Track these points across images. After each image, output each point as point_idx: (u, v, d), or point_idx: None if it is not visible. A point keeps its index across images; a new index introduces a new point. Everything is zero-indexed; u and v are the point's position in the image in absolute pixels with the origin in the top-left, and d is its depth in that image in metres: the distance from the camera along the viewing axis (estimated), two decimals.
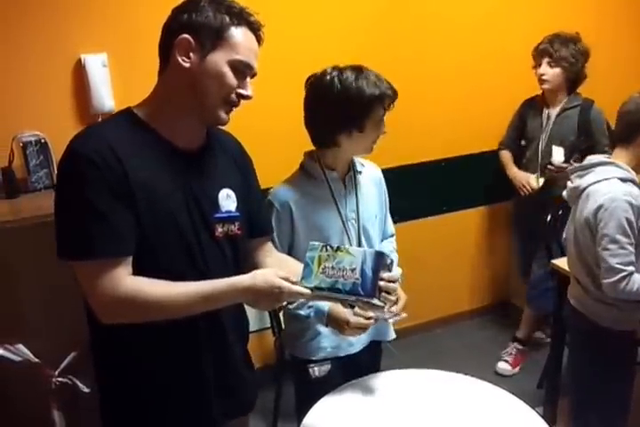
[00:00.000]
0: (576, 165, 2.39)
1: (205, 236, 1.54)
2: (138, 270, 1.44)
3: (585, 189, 2.22)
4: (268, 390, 3.08)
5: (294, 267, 1.68)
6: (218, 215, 1.56)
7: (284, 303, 1.70)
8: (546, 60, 3.15)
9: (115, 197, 1.38)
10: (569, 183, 2.35)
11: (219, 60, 1.44)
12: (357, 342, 2.12)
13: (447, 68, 3.46)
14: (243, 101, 1.52)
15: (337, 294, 1.51)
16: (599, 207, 2.13)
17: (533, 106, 3.37)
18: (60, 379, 2.19)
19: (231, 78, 1.45)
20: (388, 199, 2.24)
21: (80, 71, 2.64)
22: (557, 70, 3.14)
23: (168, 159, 1.49)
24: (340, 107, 1.92)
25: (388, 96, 1.94)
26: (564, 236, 2.48)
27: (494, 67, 3.57)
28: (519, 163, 3.43)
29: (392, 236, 2.30)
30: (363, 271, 1.51)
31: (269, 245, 1.81)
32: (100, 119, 2.69)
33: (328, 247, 1.54)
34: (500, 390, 1.87)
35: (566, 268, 2.56)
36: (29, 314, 2.20)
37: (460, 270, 3.86)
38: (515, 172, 3.38)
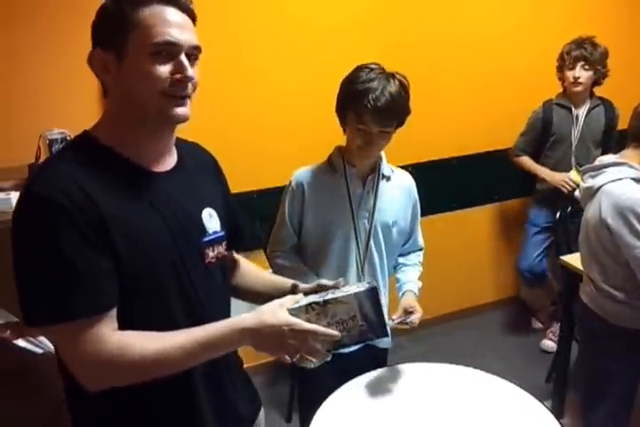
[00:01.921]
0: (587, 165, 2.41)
1: (196, 264, 1.37)
2: (123, 316, 1.25)
3: (598, 189, 2.22)
4: (283, 383, 3.13)
5: (261, 276, 1.67)
6: (206, 239, 1.40)
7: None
8: (581, 63, 3.31)
9: (90, 245, 1.18)
10: (581, 183, 2.37)
11: (135, 56, 1.22)
12: None
13: (459, 68, 3.52)
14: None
15: (347, 347, 1.39)
16: (617, 208, 2.13)
17: (559, 107, 3.47)
18: None
19: (157, 69, 1.22)
20: (419, 213, 2.22)
21: None
22: (590, 73, 3.34)
23: (143, 187, 1.30)
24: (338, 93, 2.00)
25: (369, 105, 1.86)
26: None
27: (504, 68, 3.64)
28: (542, 165, 3.51)
29: (420, 250, 2.30)
30: (364, 316, 1.36)
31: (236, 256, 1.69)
32: None
33: (313, 306, 1.34)
34: (509, 383, 1.88)
35: (575, 264, 2.60)
36: None
37: (472, 266, 3.89)
38: (549, 173, 3.45)
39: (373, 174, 2.08)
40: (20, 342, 2.11)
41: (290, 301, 1.35)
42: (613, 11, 3.89)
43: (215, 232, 1.42)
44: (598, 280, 2.30)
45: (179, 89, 1.25)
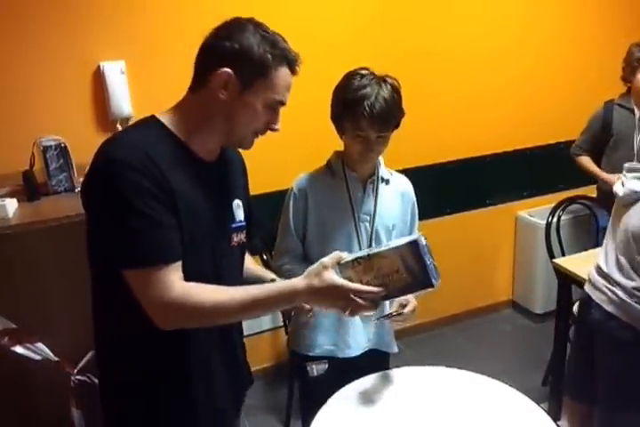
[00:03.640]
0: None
1: (224, 244, 1.58)
2: None
3: None
4: (281, 387, 3.12)
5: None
6: (234, 225, 1.61)
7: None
8: None
9: (162, 205, 1.38)
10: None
11: (255, 97, 1.45)
12: (355, 347, 2.14)
13: (455, 74, 3.52)
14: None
15: (395, 297, 1.48)
16: None
17: (621, 108, 3.42)
18: (78, 377, 2.21)
19: (264, 116, 1.48)
20: (417, 216, 2.22)
21: (99, 78, 2.71)
22: None
23: (196, 171, 1.49)
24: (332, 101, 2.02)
25: (365, 112, 1.89)
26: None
27: (500, 74, 3.64)
28: (600, 164, 3.48)
29: None
30: (407, 268, 1.42)
31: None
32: (118, 124, 2.76)
33: (359, 260, 1.43)
34: (506, 386, 1.89)
35: (568, 267, 2.62)
36: (49, 314, 2.22)
37: (467, 270, 3.90)
38: (606, 176, 3.37)
39: (373, 178, 2.10)
40: (18, 349, 2.12)
41: (332, 259, 1.46)
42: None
43: (240, 221, 1.64)
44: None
45: (265, 132, 1.53)
